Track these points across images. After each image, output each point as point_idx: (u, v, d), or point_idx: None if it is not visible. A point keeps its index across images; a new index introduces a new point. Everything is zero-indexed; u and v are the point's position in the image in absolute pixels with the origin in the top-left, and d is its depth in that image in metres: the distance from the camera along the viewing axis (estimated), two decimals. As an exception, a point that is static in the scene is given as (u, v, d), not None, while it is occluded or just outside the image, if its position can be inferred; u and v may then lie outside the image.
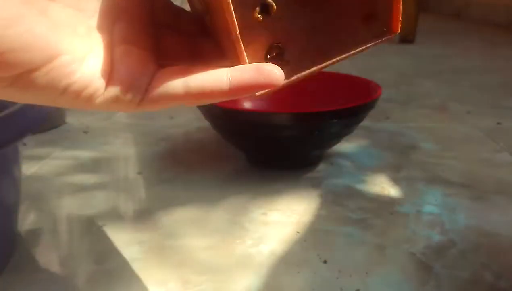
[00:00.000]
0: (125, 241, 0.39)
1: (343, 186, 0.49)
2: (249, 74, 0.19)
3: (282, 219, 0.43)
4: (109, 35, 0.20)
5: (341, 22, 0.22)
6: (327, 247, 0.38)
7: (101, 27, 0.19)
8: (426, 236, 0.40)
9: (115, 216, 0.44)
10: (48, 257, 0.37)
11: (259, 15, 0.20)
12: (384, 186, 0.49)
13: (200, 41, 0.23)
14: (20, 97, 0.17)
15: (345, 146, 0.60)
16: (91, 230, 0.41)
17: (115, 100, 0.19)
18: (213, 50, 0.23)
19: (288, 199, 0.46)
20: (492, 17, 1.85)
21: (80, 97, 0.18)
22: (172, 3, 0.25)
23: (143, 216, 0.44)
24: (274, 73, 0.19)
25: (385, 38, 0.23)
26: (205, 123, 0.58)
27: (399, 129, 0.67)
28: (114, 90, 0.19)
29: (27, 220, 0.43)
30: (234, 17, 0.19)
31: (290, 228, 0.41)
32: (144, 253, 0.37)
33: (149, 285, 0.33)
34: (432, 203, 0.45)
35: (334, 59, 0.23)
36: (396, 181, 0.50)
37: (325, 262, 0.36)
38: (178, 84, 0.20)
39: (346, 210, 0.44)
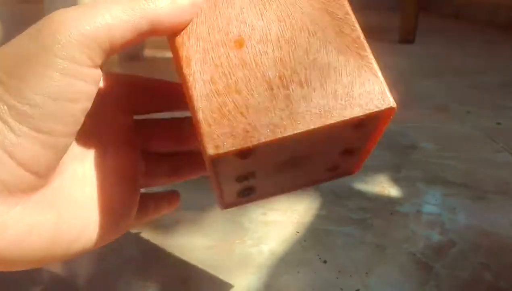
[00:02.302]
0: (125, 240, 0.39)
1: (343, 186, 0.49)
2: None
3: (282, 219, 0.43)
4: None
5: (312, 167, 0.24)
6: (327, 247, 0.38)
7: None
8: (426, 236, 0.39)
9: (115, 215, 0.44)
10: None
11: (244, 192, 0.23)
12: (384, 186, 0.49)
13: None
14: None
15: (345, 145, 0.59)
16: (91, 229, 0.41)
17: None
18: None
19: (288, 199, 0.46)
20: (492, 17, 1.85)
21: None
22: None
23: (143, 215, 0.44)
24: None
25: (340, 176, 0.26)
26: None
27: (399, 129, 0.67)
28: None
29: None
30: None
31: (290, 228, 0.41)
32: (143, 253, 0.37)
33: (149, 285, 0.33)
34: (432, 203, 0.45)
35: (298, 188, 0.26)
36: (396, 181, 0.50)
37: (325, 262, 0.36)
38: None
39: (346, 210, 0.44)
